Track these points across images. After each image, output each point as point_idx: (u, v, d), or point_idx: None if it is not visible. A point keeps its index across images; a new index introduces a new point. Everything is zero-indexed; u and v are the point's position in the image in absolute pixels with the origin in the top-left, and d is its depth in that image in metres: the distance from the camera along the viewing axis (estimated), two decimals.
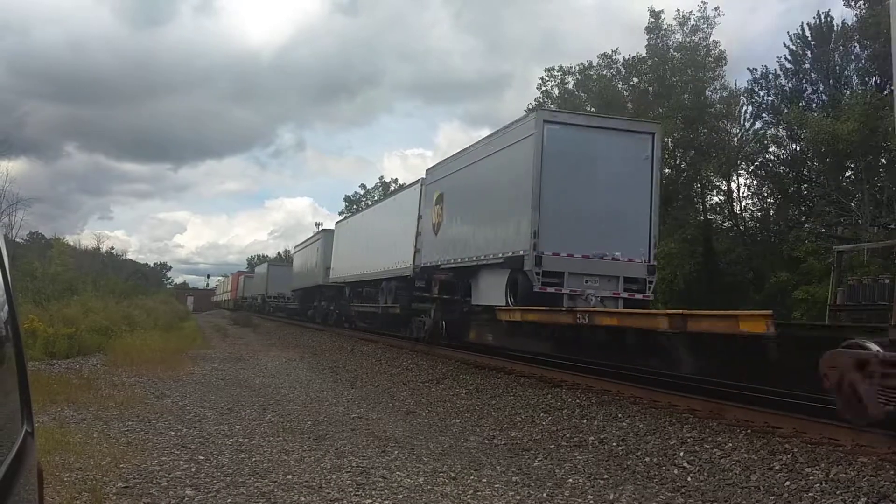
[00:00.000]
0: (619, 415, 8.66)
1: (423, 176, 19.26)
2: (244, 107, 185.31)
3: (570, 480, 6.37)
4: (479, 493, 5.74)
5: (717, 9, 33.62)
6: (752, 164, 33.93)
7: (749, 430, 7.20)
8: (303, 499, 5.41)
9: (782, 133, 32.26)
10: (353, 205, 67.31)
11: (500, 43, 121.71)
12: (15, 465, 1.50)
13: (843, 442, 6.41)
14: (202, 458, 6.56)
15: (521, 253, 12.39)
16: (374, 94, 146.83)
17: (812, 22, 30.76)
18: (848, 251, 17.84)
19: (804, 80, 31.84)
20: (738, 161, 34.10)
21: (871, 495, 5.21)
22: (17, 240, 38.10)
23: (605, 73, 36.69)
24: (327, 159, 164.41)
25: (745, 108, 34.19)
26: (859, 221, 26.49)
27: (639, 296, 12.47)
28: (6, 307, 1.73)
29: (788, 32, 31.97)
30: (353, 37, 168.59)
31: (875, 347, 6.17)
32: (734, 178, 34.88)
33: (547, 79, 39.31)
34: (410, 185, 22.12)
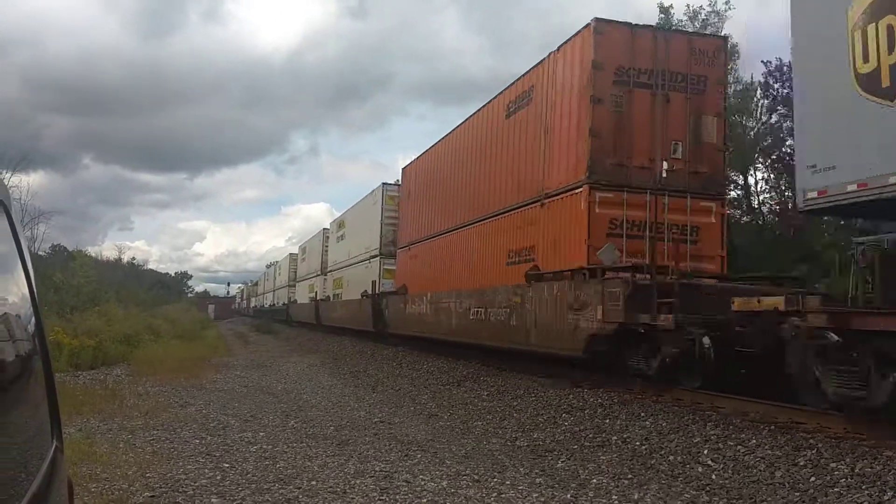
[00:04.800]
0: (642, 413, 8.62)
1: None
2: (257, 113, 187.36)
3: (595, 481, 6.36)
4: (503, 496, 5.75)
5: (727, 2, 33.38)
6: (769, 158, 33.59)
7: (773, 427, 7.15)
8: None
9: None
10: None
11: (508, 40, 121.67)
12: (47, 479, 1.54)
13: (868, 436, 6.35)
14: (227, 465, 6.61)
15: None
16: (384, 98, 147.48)
17: None
18: (868, 242, 17.65)
19: None
20: (755, 155, 33.75)
21: None
22: (40, 253, 38.67)
23: None
24: (342, 164, 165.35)
25: (760, 101, 33.89)
26: None
27: None
28: (33, 320, 1.75)
29: None
30: (362, 40, 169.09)
31: None
32: (751, 172, 34.56)
33: None
34: None
